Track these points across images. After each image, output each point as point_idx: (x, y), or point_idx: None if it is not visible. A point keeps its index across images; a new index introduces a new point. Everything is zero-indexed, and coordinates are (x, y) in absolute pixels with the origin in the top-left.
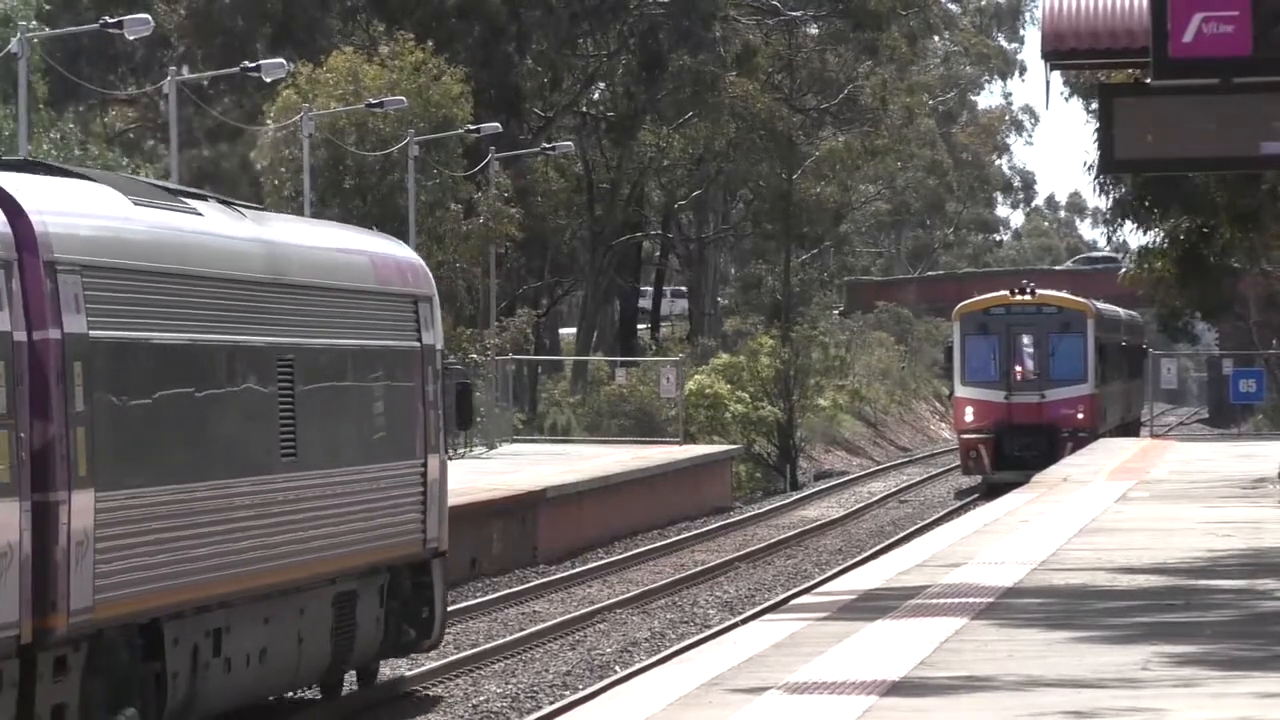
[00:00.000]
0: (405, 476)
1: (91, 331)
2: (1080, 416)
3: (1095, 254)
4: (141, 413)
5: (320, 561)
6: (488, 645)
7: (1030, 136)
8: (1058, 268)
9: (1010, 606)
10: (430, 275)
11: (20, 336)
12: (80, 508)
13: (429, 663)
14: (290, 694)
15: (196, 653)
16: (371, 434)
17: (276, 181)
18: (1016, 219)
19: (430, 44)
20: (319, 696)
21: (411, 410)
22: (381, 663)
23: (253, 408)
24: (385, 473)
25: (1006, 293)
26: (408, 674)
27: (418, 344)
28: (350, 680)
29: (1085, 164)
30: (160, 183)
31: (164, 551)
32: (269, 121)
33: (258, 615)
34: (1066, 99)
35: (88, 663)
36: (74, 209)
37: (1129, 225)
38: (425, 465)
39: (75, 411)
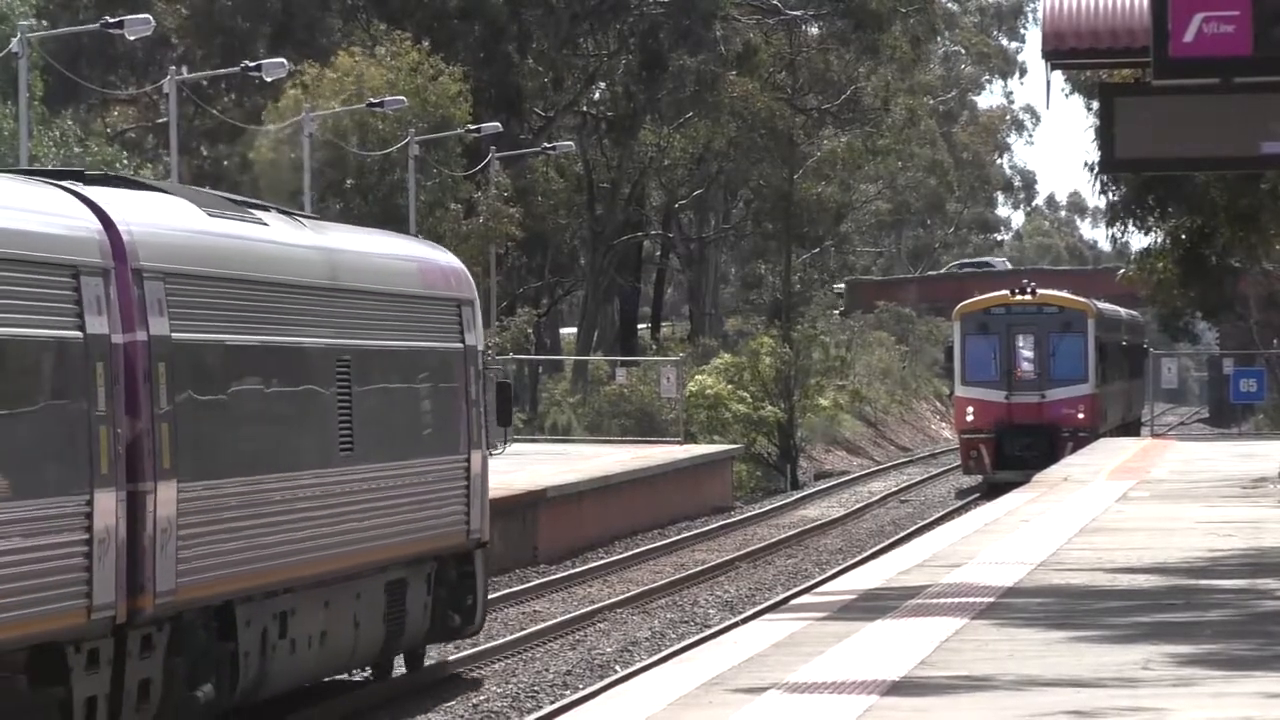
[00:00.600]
0: (451, 471)
1: (173, 334)
2: (1081, 416)
3: (968, 260)
4: (216, 409)
5: (374, 550)
6: (488, 645)
7: (1031, 136)
8: (993, 271)
9: (1010, 606)
10: (471, 280)
11: (115, 339)
12: (165, 498)
13: (428, 662)
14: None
15: (265, 634)
16: (420, 430)
17: (281, 179)
18: (1017, 219)
19: (427, 43)
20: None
21: (456, 408)
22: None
23: (314, 405)
24: (432, 467)
25: (1007, 292)
26: (404, 673)
27: (461, 345)
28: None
29: (1086, 163)
30: (227, 195)
31: (237, 539)
32: (269, 125)
33: (319, 600)
34: (1067, 95)
35: (170, 642)
36: (155, 220)
37: (1129, 225)
38: (469, 460)
39: (160, 408)
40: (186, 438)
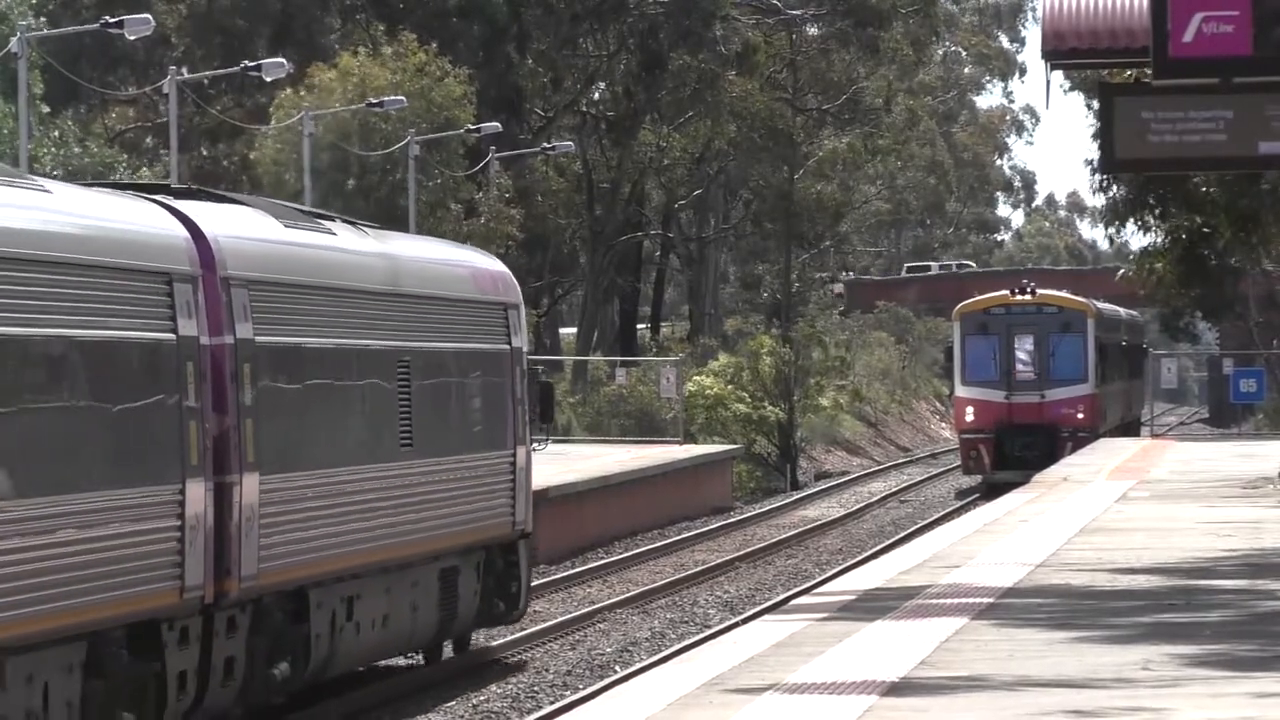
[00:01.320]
0: (498, 465)
1: (256, 337)
2: (1080, 416)
3: (916, 264)
4: (293, 406)
5: (431, 539)
6: (487, 644)
7: (1030, 136)
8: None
9: (1010, 606)
10: (516, 285)
11: (204, 341)
12: (248, 488)
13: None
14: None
15: (334, 617)
16: (471, 427)
17: (285, 178)
18: (1017, 219)
19: (434, 45)
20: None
21: (503, 406)
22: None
23: (378, 403)
24: (482, 461)
25: (1007, 292)
26: (402, 668)
27: (508, 347)
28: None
29: (1086, 161)
30: (298, 206)
31: (310, 527)
32: (270, 125)
33: (381, 586)
34: (1066, 93)
35: (251, 623)
36: (238, 231)
37: (1130, 225)
38: (514, 455)
39: (244, 405)
40: (266, 433)
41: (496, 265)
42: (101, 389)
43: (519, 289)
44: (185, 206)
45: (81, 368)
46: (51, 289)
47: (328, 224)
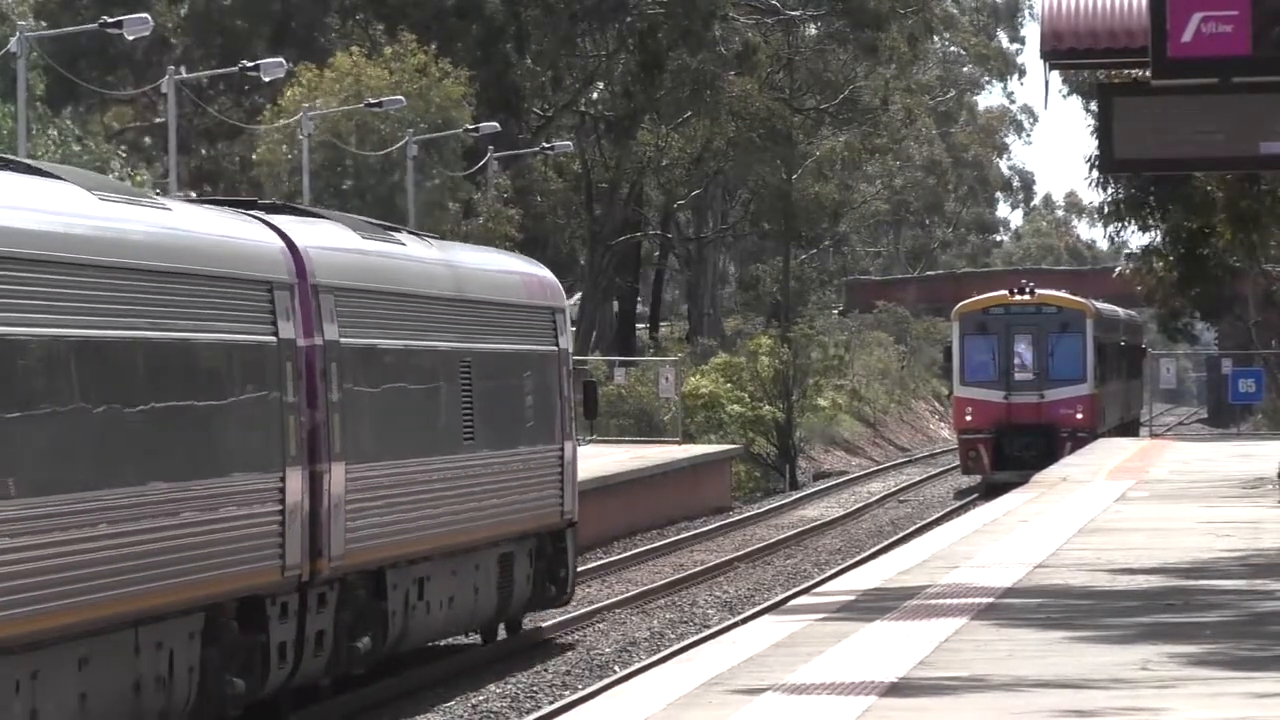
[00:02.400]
0: (548, 458)
1: (341, 339)
2: (1079, 416)
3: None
4: (372, 402)
5: (490, 526)
6: (484, 645)
7: (1029, 136)
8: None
9: (1009, 606)
10: (562, 290)
11: (299, 342)
12: (337, 477)
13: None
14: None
15: (408, 597)
16: (525, 422)
17: (281, 178)
18: (1016, 219)
19: (434, 46)
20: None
21: (552, 403)
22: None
23: (444, 400)
24: (534, 454)
25: (1005, 293)
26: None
27: (556, 348)
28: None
29: (1086, 158)
30: (370, 219)
31: (389, 513)
32: (267, 124)
33: (448, 569)
34: (1065, 96)
35: (339, 600)
36: (324, 242)
37: (1130, 224)
38: (562, 449)
39: (332, 401)
40: (349, 426)
41: (544, 272)
42: (218, 386)
43: (564, 294)
44: (279, 221)
45: (201, 368)
46: (178, 297)
47: (397, 235)
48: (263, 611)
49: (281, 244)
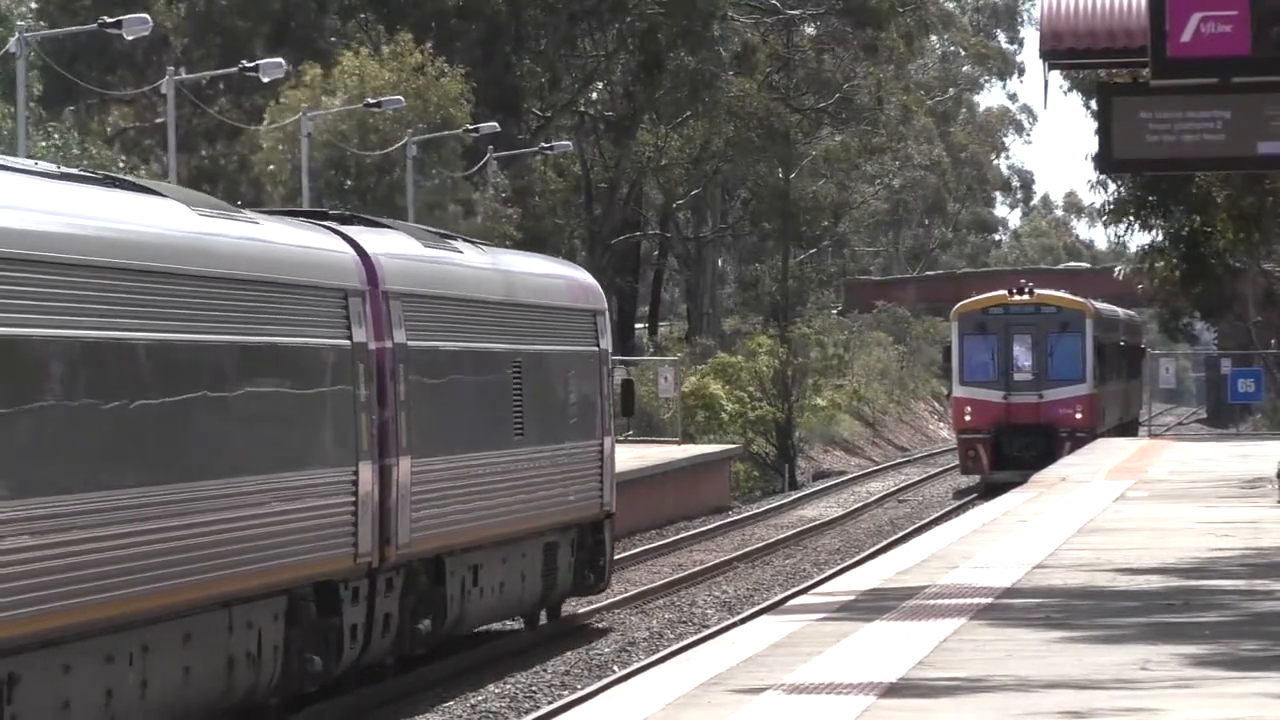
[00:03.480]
0: (589, 452)
1: (409, 341)
2: (1079, 416)
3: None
4: (435, 400)
5: (537, 517)
6: (486, 644)
7: (1029, 136)
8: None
9: (1009, 606)
10: (602, 293)
11: (371, 345)
12: (404, 470)
13: (430, 658)
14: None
15: (464, 583)
16: (568, 419)
17: (281, 179)
18: (1015, 219)
19: (430, 45)
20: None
21: (593, 401)
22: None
23: (498, 397)
24: (577, 449)
25: (1005, 292)
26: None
27: (596, 348)
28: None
29: (1087, 156)
30: (431, 229)
31: (448, 504)
32: (267, 125)
33: (499, 557)
34: (1065, 93)
35: (404, 585)
36: (391, 251)
37: (1130, 224)
38: (602, 444)
39: (400, 399)
40: (414, 423)
41: (586, 277)
42: (300, 387)
43: (604, 297)
44: (352, 231)
45: (286, 370)
46: (266, 304)
47: (455, 243)
48: (337, 595)
49: (354, 254)
